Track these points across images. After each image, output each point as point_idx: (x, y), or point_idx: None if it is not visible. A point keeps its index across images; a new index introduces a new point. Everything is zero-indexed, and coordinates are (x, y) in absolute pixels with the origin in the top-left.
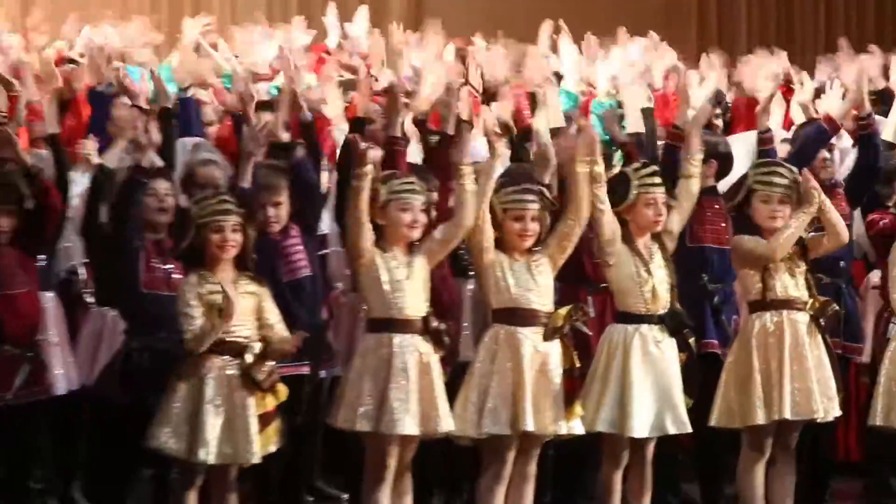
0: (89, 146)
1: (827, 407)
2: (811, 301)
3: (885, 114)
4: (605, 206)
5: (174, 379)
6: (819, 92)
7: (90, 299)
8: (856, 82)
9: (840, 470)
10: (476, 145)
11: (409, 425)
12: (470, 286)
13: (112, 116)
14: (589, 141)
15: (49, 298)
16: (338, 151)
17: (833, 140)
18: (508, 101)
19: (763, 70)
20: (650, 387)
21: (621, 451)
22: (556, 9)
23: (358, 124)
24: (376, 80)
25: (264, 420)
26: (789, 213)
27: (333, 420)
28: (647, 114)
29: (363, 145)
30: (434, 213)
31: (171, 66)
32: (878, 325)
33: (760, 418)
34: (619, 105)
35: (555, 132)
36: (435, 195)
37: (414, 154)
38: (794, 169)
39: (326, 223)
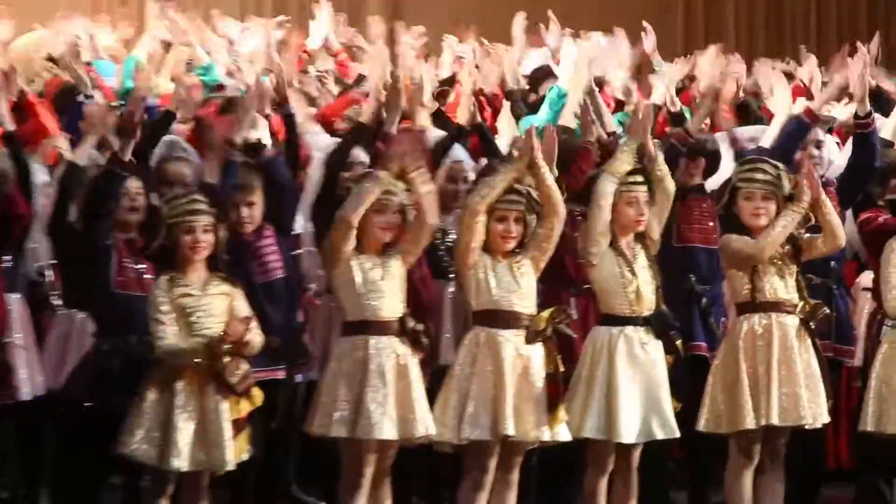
0: (61, 142)
1: (815, 413)
2: (801, 304)
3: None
4: (606, 200)
5: (145, 383)
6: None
7: (57, 301)
8: (856, 82)
9: (831, 477)
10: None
11: (386, 430)
12: (451, 289)
13: (84, 114)
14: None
15: (15, 300)
16: (316, 154)
17: (821, 137)
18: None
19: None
20: (637, 390)
21: (607, 457)
22: (540, 5)
23: (359, 131)
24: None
25: (237, 426)
26: (774, 209)
27: (309, 426)
28: (591, 95)
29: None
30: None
31: (136, 59)
32: (870, 328)
33: (749, 423)
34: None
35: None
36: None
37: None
38: (780, 165)
39: (300, 223)
